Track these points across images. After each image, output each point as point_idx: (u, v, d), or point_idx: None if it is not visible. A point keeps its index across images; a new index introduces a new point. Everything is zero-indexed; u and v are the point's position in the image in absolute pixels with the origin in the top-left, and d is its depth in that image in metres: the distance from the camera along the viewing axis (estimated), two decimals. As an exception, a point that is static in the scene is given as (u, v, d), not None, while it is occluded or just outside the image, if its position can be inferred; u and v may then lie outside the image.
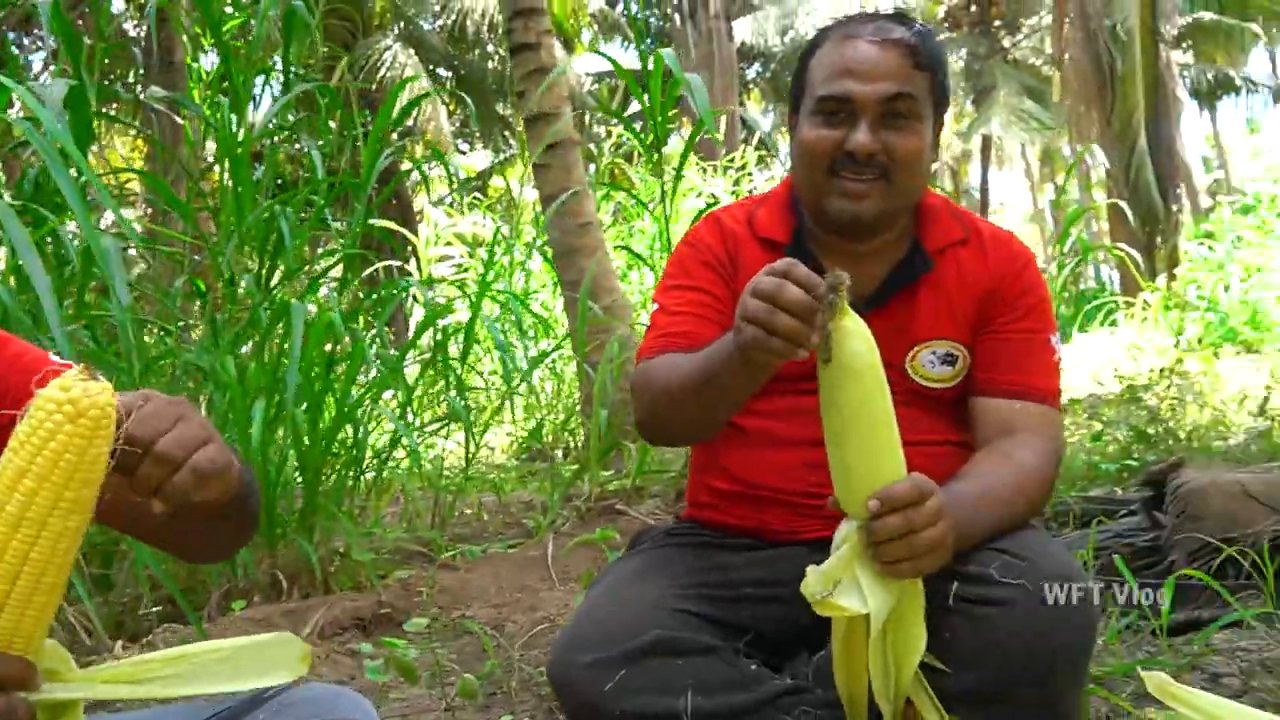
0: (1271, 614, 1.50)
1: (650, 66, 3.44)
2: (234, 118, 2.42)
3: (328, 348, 2.52)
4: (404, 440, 2.67)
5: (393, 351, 3.07)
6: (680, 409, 1.33)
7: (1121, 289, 9.94)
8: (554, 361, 5.02)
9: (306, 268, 2.93)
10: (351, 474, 2.62)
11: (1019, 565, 1.18)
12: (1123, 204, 8.31)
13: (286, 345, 2.34)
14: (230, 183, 2.34)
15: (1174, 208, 10.59)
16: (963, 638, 1.16)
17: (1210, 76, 19.26)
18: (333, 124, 3.09)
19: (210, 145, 2.79)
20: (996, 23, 20.17)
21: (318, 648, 2.12)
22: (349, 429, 2.55)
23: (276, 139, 2.94)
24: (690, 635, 1.25)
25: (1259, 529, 1.95)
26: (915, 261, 1.43)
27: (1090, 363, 5.88)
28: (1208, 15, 17.95)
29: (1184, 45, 18.15)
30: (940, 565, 1.12)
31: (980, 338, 1.42)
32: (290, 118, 3.04)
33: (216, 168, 2.53)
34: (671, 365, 1.33)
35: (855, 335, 1.09)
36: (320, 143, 2.85)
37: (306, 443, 2.39)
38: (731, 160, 7.59)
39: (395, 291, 2.65)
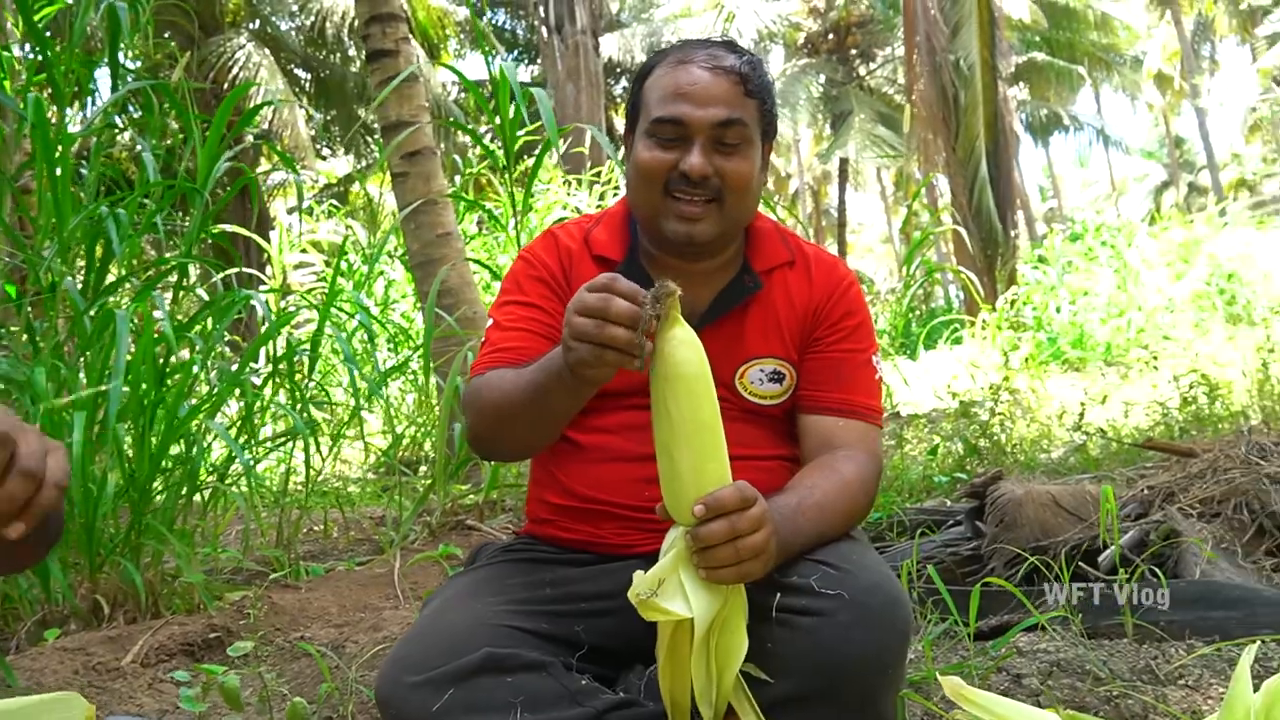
0: (1067, 617, 1.62)
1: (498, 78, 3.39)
2: (55, 113, 2.27)
3: (162, 359, 2.39)
4: (241, 456, 2.55)
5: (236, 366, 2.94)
6: (509, 425, 1.33)
7: (965, 309, 10.51)
8: (415, 374, 4.92)
9: (149, 272, 2.77)
10: (185, 491, 2.49)
11: (837, 576, 1.22)
12: (962, 230, 8.79)
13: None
14: (48, 182, 2.19)
15: (1012, 233, 11.27)
16: (784, 647, 1.19)
17: (1044, 113, 20.69)
18: (177, 125, 2.94)
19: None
20: (853, 51, 21.06)
21: (140, 676, 2.01)
22: (182, 444, 2.43)
23: (104, 137, 2.78)
24: (521, 652, 1.24)
25: (1067, 537, 2.09)
26: (745, 281, 1.48)
27: (934, 378, 6.19)
28: (1040, 56, 19.33)
29: (1020, 83, 19.45)
30: (763, 572, 1.15)
31: (805, 356, 1.47)
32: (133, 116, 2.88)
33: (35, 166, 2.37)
34: (500, 380, 1.33)
35: (685, 344, 1.11)
36: (154, 142, 2.71)
37: (133, 459, 2.26)
38: (597, 174, 7.63)
39: (234, 299, 2.52)
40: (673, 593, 1.13)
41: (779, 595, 1.21)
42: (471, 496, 3.45)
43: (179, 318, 2.58)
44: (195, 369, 2.23)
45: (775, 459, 1.48)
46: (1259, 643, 1.21)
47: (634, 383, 1.45)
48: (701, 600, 1.13)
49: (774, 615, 1.20)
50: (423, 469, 4.50)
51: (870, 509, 1.44)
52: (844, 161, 21.17)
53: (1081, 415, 3.57)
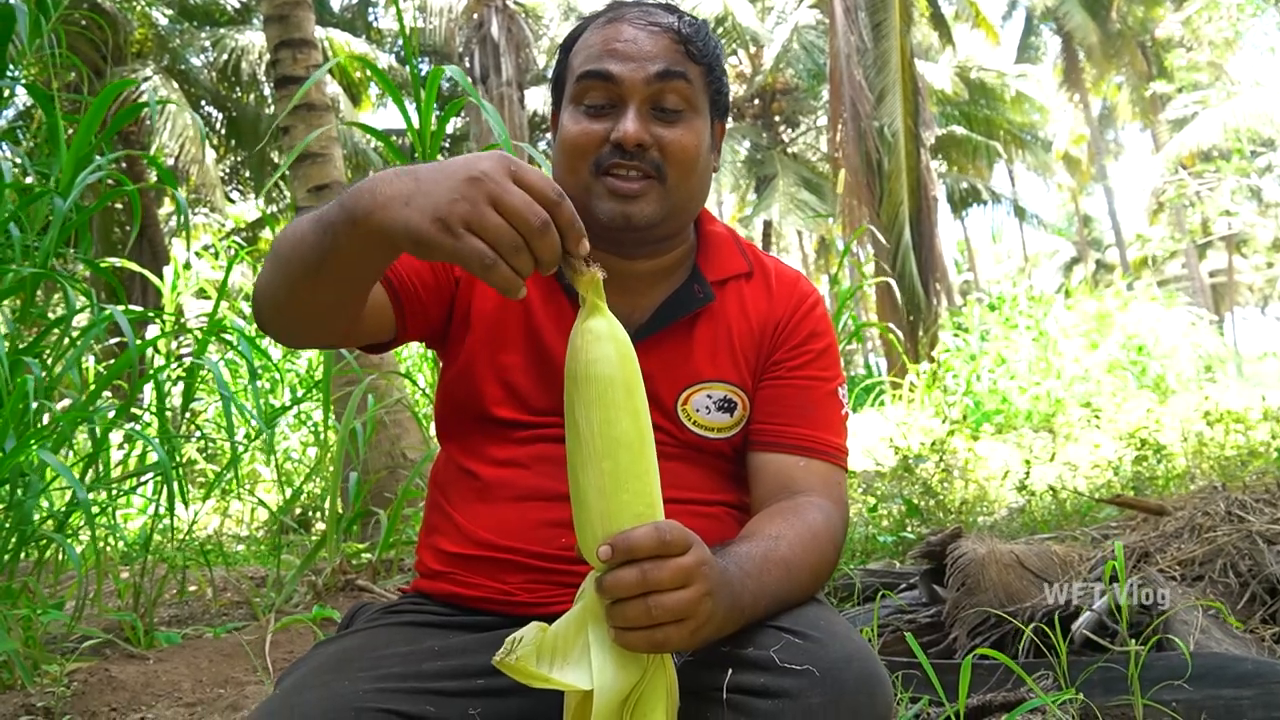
0: (1070, 699, 1.37)
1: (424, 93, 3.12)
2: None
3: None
4: (99, 501, 2.17)
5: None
6: (284, 272, 1.01)
7: (889, 373, 10.48)
8: (316, 426, 4.53)
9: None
10: (14, 542, 2.09)
11: (803, 647, 0.96)
12: (892, 281, 8.80)
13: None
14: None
15: (934, 300, 11.38)
16: (738, 738, 0.92)
17: (963, 186, 21.36)
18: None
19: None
20: (777, 117, 21.49)
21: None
22: (10, 486, 2.04)
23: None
24: (393, 742, 0.94)
25: (1034, 603, 1.86)
26: (694, 291, 1.24)
27: (863, 440, 6.04)
28: (959, 130, 19.99)
29: (939, 155, 20.07)
30: (691, 643, 0.88)
31: (762, 383, 1.23)
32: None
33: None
34: (299, 220, 1.01)
35: (602, 338, 0.88)
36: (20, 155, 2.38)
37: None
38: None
39: (96, 320, 2.17)
40: (577, 656, 0.87)
41: (730, 671, 0.94)
42: (366, 554, 3.09)
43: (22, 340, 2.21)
44: (20, 396, 1.85)
45: (721, 505, 1.22)
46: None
47: (549, 404, 1.19)
48: (608, 670, 0.86)
49: (724, 697, 0.93)
50: (318, 526, 4.10)
51: (835, 567, 1.18)
52: (767, 224, 21.42)
53: (1027, 474, 3.39)
